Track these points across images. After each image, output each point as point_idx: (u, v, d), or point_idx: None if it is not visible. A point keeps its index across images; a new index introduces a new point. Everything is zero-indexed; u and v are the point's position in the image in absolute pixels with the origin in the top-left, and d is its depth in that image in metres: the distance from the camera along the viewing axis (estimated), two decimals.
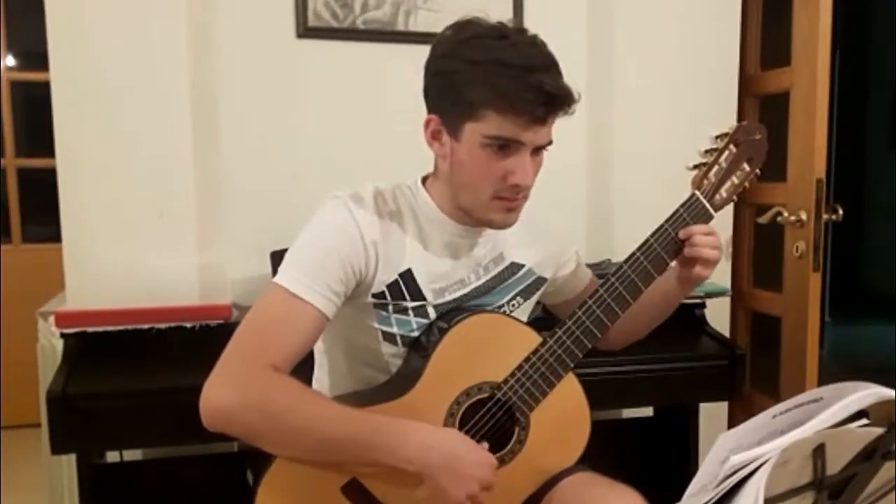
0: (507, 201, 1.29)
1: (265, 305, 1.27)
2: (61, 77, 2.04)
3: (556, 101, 1.22)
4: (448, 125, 1.28)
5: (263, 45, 2.17)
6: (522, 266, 1.45)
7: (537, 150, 1.28)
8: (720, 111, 2.49)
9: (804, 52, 2.31)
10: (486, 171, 1.26)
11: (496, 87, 1.20)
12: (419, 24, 2.22)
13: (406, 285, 1.33)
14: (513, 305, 1.44)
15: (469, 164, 1.27)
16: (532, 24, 2.20)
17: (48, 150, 2.11)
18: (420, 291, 1.34)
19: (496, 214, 1.31)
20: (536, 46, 1.25)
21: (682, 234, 1.36)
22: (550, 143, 1.29)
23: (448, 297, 1.36)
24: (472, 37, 1.25)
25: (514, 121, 1.22)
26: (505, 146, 1.24)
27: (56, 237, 2.10)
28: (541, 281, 1.49)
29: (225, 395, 1.18)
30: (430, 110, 1.31)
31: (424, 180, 1.39)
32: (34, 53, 3.41)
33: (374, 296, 1.32)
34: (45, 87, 2.06)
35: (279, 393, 1.19)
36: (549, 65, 1.23)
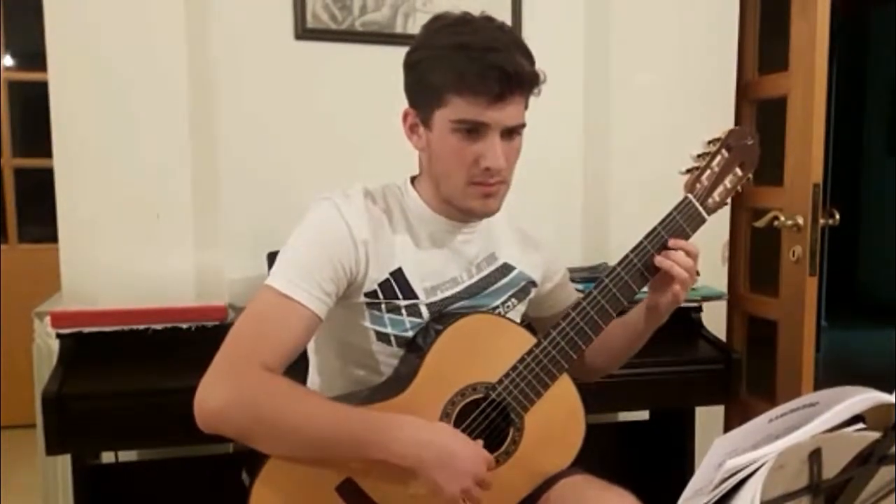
0: (483, 186, 1.30)
1: (256, 307, 1.27)
2: (59, 77, 2.04)
3: (512, 78, 1.24)
4: (422, 116, 1.32)
5: (262, 47, 2.17)
6: (514, 268, 1.46)
7: (510, 134, 1.29)
8: (717, 116, 2.49)
9: (801, 57, 2.32)
10: (458, 157, 1.28)
11: (454, 69, 1.24)
12: (418, 26, 2.18)
13: (398, 284, 1.34)
14: (507, 307, 1.45)
15: (442, 151, 1.30)
16: (530, 29, 2.24)
17: (46, 150, 2.11)
18: (412, 290, 1.35)
19: (474, 201, 1.32)
20: (501, 30, 1.29)
21: (671, 244, 1.35)
22: (523, 125, 1.31)
23: (440, 296, 1.37)
24: (438, 27, 1.30)
25: (475, 101, 1.24)
26: (473, 130, 1.26)
27: (53, 237, 2.10)
28: (532, 284, 1.49)
29: (216, 395, 1.19)
30: (408, 105, 1.35)
31: (413, 180, 1.41)
32: (32, 53, 3.40)
33: (366, 294, 1.32)
34: (43, 87, 2.05)
35: (269, 391, 1.20)
36: (510, 45, 1.26)
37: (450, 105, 1.25)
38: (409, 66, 1.32)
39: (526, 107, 1.31)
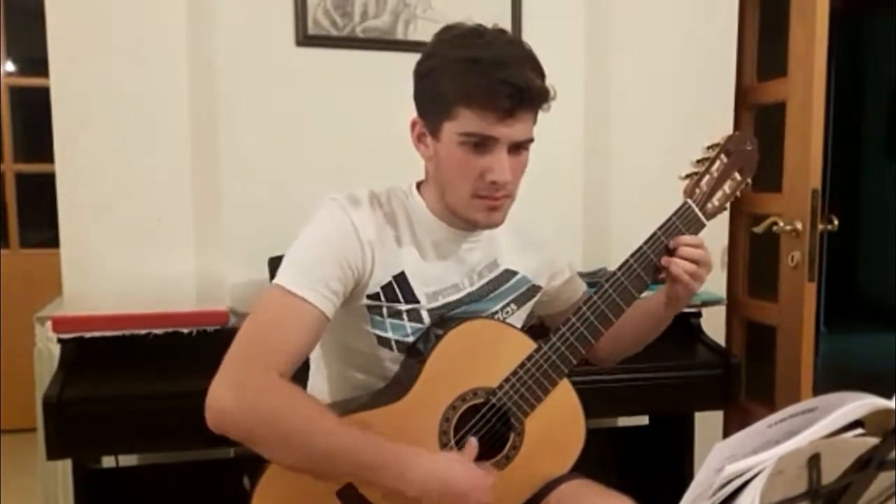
0: (488, 200, 1.30)
1: (265, 306, 1.27)
2: (61, 83, 2.05)
3: (524, 94, 1.23)
4: (430, 126, 1.31)
5: (263, 53, 2.18)
6: (516, 273, 1.46)
7: (517, 149, 1.29)
8: (717, 121, 2.50)
9: (800, 62, 2.32)
10: (464, 169, 1.28)
11: (464, 82, 1.23)
12: (418, 32, 2.23)
13: (400, 287, 1.34)
14: (506, 312, 1.45)
15: (449, 163, 1.29)
16: (530, 33, 2.24)
17: (47, 155, 2.12)
18: (413, 294, 1.35)
19: (478, 213, 1.32)
20: (512, 44, 1.28)
21: (671, 244, 1.36)
22: (531, 140, 1.30)
23: (441, 301, 1.37)
24: (450, 38, 1.29)
25: (484, 115, 1.23)
26: (481, 144, 1.26)
27: (54, 242, 2.10)
28: (535, 289, 1.49)
29: (227, 397, 1.18)
30: (417, 113, 1.34)
31: (419, 185, 1.41)
32: (34, 59, 3.41)
33: (368, 297, 1.33)
34: (45, 92, 2.06)
35: (279, 400, 1.19)
36: (522, 60, 1.25)
37: (458, 118, 1.25)
38: (419, 75, 1.32)
39: (535, 122, 1.30)
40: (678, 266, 1.34)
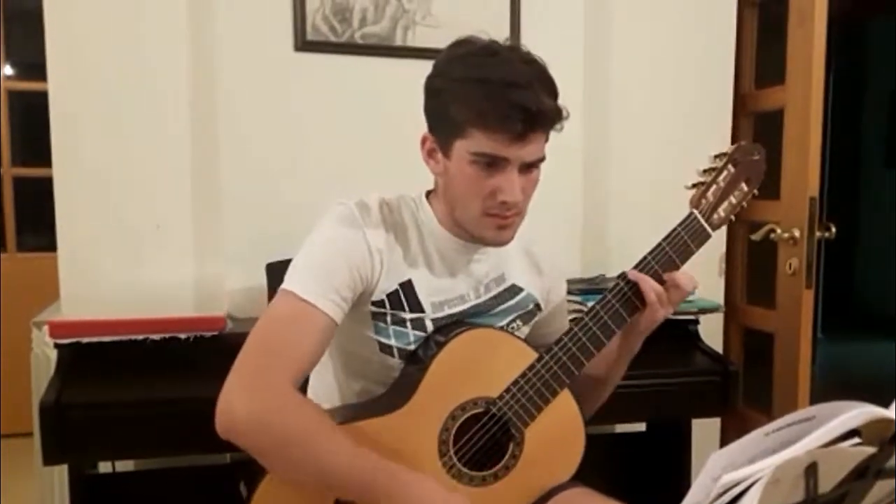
0: (498, 218, 1.29)
1: (277, 312, 1.26)
2: (59, 87, 2.05)
3: (535, 117, 1.22)
4: (440, 143, 1.30)
5: (262, 59, 2.18)
6: (522, 290, 1.45)
7: (528, 168, 1.28)
8: (715, 129, 2.50)
9: (798, 70, 2.33)
10: (474, 188, 1.27)
11: (475, 104, 1.22)
12: (417, 39, 2.23)
13: (405, 296, 1.34)
14: (512, 328, 1.44)
15: (459, 181, 1.28)
16: (528, 41, 2.23)
17: (45, 159, 2.12)
18: (419, 303, 1.34)
19: (488, 231, 1.31)
20: (525, 63, 1.26)
21: (665, 277, 1.34)
22: (542, 159, 1.29)
23: (447, 312, 1.37)
24: (463, 55, 1.27)
25: (495, 137, 1.22)
26: (492, 163, 1.24)
27: (52, 246, 2.10)
28: (538, 308, 1.49)
29: (240, 407, 1.17)
30: (428, 128, 1.33)
31: (429, 194, 1.41)
32: (32, 63, 3.41)
33: (373, 304, 1.32)
34: (43, 96, 2.05)
35: (294, 417, 1.18)
36: (534, 81, 1.23)
37: (470, 138, 1.24)
38: (430, 91, 1.31)
39: (547, 140, 1.29)
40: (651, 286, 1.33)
